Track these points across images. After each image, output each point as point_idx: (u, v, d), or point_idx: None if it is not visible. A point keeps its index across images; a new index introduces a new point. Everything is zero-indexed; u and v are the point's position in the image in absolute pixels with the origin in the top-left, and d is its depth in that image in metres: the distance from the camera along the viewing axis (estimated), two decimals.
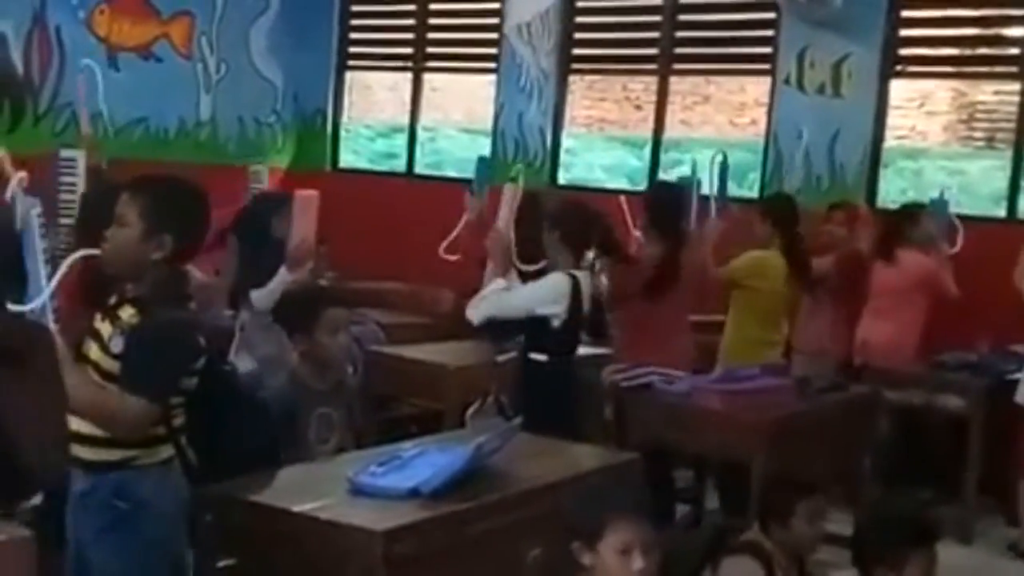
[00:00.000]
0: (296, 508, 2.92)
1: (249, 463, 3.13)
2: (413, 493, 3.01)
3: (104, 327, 2.96)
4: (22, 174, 3.80)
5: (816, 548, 3.65)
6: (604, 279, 5.69)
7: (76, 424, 2.87)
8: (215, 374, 3.15)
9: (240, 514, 3.02)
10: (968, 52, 7.12)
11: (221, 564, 3.09)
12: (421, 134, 8.82)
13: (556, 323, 4.51)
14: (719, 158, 5.62)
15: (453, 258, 5.12)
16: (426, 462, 3.20)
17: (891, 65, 7.01)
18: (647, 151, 7.84)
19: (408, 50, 8.80)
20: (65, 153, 6.13)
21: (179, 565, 3.06)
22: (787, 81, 7.20)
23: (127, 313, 2.95)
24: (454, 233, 5.06)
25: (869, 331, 6.16)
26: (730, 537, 3.71)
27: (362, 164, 9.15)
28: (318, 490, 3.05)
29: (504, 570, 3.13)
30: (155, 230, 2.96)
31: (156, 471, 3.00)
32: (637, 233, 5.54)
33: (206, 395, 3.08)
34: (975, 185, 7.02)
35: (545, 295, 4.55)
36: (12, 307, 2.78)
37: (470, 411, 5.05)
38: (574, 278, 4.61)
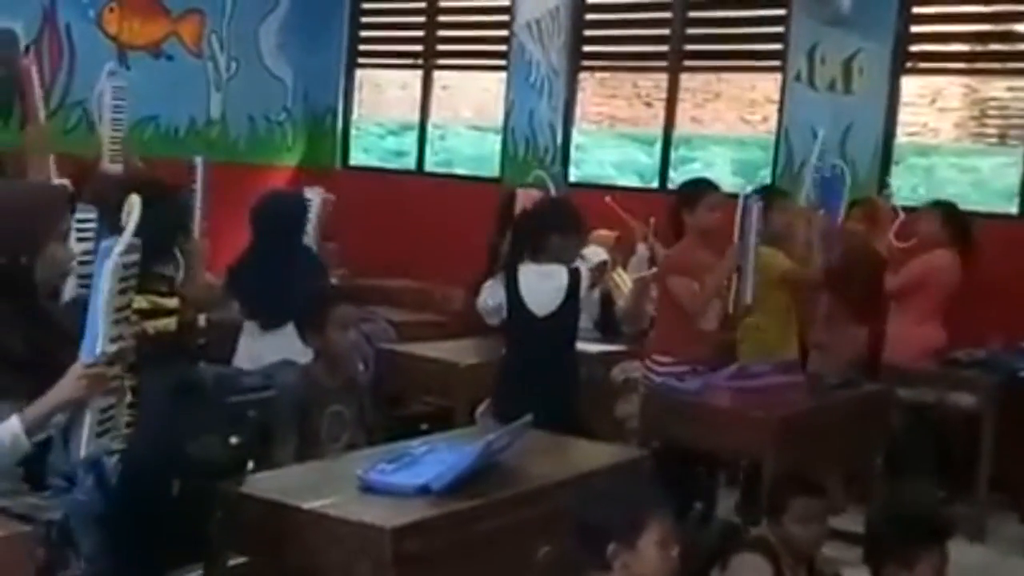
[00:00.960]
0: (306, 505, 2.92)
1: (208, 470, 3.09)
2: (423, 490, 3.01)
3: None
4: (64, 182, 3.84)
5: (815, 549, 3.63)
6: (623, 276, 5.70)
7: None
8: (182, 375, 3.16)
9: (250, 511, 3.02)
10: (980, 48, 7.08)
11: (232, 562, 3.11)
12: (431, 132, 8.82)
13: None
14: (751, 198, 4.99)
15: None
16: (436, 459, 3.20)
17: (902, 61, 6.98)
18: (658, 148, 7.83)
19: (418, 47, 8.80)
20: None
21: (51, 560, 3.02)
22: (798, 78, 7.18)
23: None
24: None
25: (905, 330, 6.15)
26: (741, 533, 3.70)
27: (372, 162, 9.15)
28: (328, 487, 3.05)
29: (513, 567, 3.12)
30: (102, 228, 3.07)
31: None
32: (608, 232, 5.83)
33: (161, 394, 3.09)
34: (987, 182, 6.99)
35: (491, 290, 4.88)
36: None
37: (480, 408, 5.05)
38: (573, 273, 4.62)
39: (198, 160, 4.58)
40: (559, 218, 4.75)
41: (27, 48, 7.31)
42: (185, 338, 3.30)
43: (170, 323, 3.25)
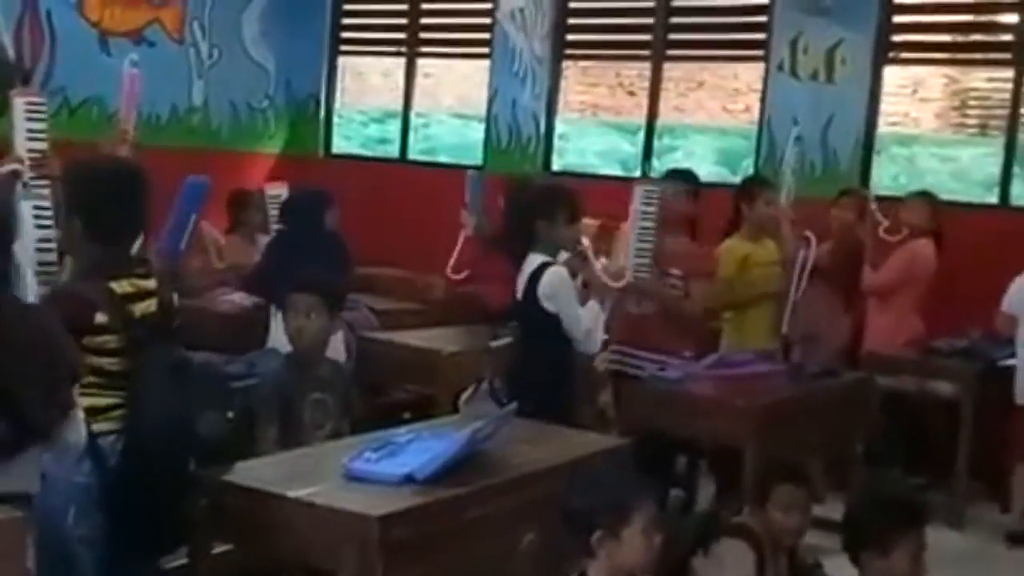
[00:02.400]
0: (291, 494, 2.93)
1: (201, 455, 3.10)
2: (408, 479, 3.02)
3: None
4: (14, 166, 3.77)
5: (796, 538, 3.65)
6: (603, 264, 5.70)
7: None
8: (174, 361, 3.17)
9: (235, 499, 3.02)
10: (961, 38, 7.13)
11: (217, 550, 3.11)
12: (414, 120, 8.81)
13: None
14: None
15: (460, 277, 5.28)
16: (420, 448, 3.21)
17: (884, 51, 7.01)
18: (640, 137, 7.84)
19: (401, 35, 8.77)
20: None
21: (59, 545, 2.99)
22: (780, 67, 7.20)
23: None
24: (455, 253, 5.14)
25: (889, 323, 6.19)
26: (722, 520, 3.72)
27: (355, 150, 9.13)
28: (313, 476, 3.06)
29: (499, 555, 3.14)
30: (70, 212, 3.21)
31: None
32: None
33: (158, 375, 3.11)
34: (968, 172, 7.04)
35: None
36: None
37: (463, 397, 5.05)
38: (541, 265, 4.58)
39: (187, 180, 4.21)
40: (539, 204, 4.70)
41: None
42: (166, 319, 3.28)
43: (151, 304, 3.23)
